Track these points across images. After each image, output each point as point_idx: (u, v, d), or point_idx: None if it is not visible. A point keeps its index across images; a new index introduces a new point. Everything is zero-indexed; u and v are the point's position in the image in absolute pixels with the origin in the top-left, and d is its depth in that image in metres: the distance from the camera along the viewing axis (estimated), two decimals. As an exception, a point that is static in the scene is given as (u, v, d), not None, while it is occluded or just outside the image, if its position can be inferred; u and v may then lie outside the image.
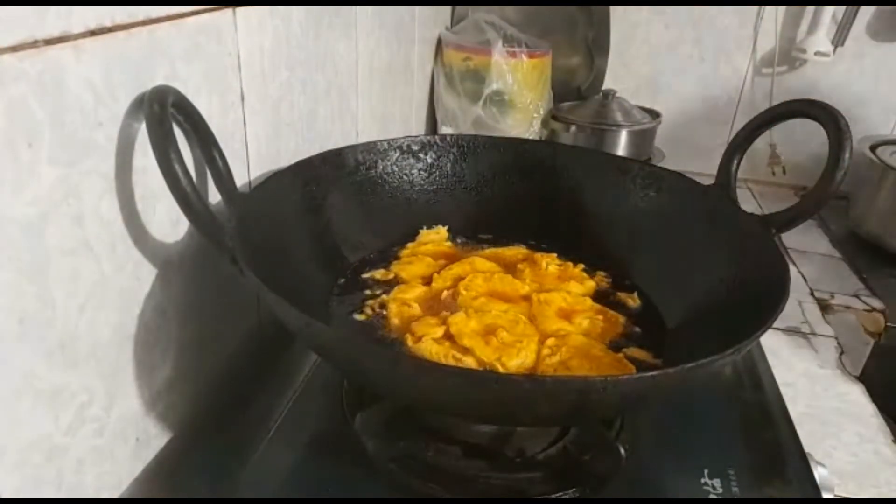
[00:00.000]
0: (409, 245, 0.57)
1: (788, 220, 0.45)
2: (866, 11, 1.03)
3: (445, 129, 0.98)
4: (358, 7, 0.65)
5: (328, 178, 0.53)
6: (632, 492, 0.39)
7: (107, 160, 0.34)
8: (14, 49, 0.27)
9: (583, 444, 0.41)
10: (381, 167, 0.58)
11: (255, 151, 0.49)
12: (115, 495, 0.39)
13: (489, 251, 0.57)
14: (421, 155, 0.60)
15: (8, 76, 0.27)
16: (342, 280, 0.52)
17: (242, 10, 0.44)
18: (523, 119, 0.98)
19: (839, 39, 1.04)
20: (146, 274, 0.39)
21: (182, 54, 0.39)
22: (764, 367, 0.52)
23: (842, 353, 0.73)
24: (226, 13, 0.42)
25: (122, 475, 0.40)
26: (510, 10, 1.03)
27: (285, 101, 0.53)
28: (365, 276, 0.53)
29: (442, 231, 0.59)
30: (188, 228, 0.42)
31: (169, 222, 0.40)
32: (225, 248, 0.37)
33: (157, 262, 0.40)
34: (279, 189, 0.47)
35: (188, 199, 0.35)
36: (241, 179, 0.46)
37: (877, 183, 0.90)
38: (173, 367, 0.43)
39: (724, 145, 0.52)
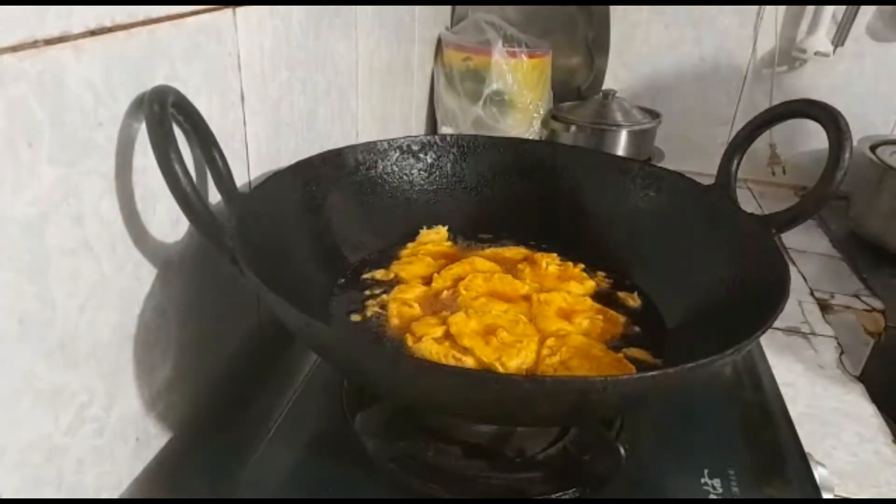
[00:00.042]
0: (409, 245, 0.57)
1: (788, 220, 0.45)
2: (866, 11, 1.03)
3: (445, 129, 0.98)
4: (358, 7, 0.65)
5: (328, 178, 0.53)
6: (632, 492, 0.39)
7: (107, 160, 0.34)
8: (14, 49, 0.27)
9: (583, 444, 0.41)
10: (381, 167, 0.58)
11: (255, 151, 0.49)
12: (115, 495, 0.39)
13: (489, 251, 0.57)
14: (421, 155, 0.60)
15: (8, 76, 0.27)
16: (342, 280, 0.52)
17: (242, 10, 0.44)
18: (523, 119, 0.98)
19: (839, 39, 1.05)
20: (146, 274, 0.39)
21: (182, 54, 0.39)
22: (764, 367, 0.52)
23: (842, 353, 0.73)
24: (226, 13, 0.42)
25: (122, 475, 0.40)
26: (510, 10, 1.03)
27: (285, 101, 0.53)
28: (365, 276, 0.53)
29: (442, 231, 0.59)
30: (188, 228, 0.42)
31: (169, 222, 0.40)
32: (225, 248, 0.37)
33: (157, 262, 0.40)
34: (279, 189, 0.47)
35: (188, 199, 0.35)
36: (241, 179, 0.46)
37: (877, 183, 0.90)
38: (173, 367, 0.43)
39: (724, 145, 0.52)
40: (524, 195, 0.60)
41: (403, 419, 0.40)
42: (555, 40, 1.01)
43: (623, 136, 0.98)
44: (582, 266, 0.54)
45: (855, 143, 0.44)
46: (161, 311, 0.41)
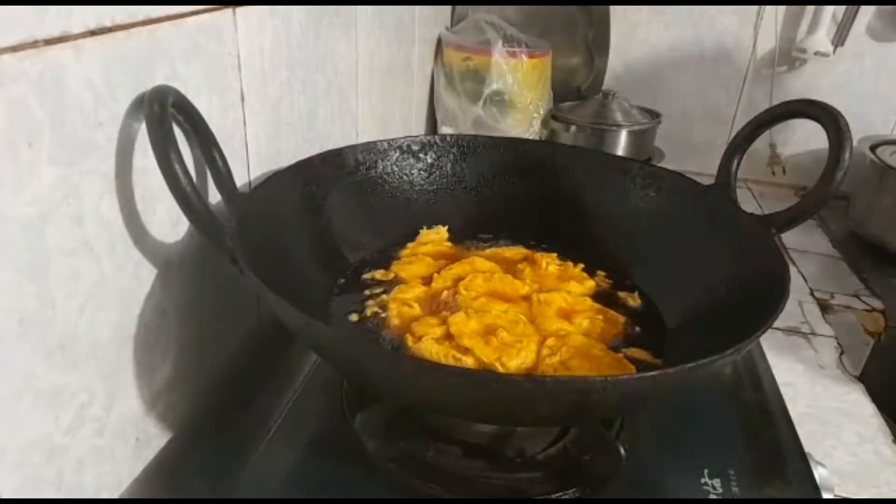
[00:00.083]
0: (409, 245, 0.57)
1: (788, 220, 0.45)
2: (866, 11, 1.03)
3: (445, 129, 0.98)
4: (358, 7, 0.65)
5: (328, 178, 0.53)
6: (632, 492, 0.39)
7: (107, 160, 0.34)
8: (14, 49, 0.27)
9: (583, 444, 0.41)
10: (381, 167, 0.58)
11: (255, 151, 0.49)
12: (115, 495, 0.39)
13: (489, 251, 0.57)
14: (421, 155, 0.60)
15: (8, 76, 0.27)
16: (342, 280, 0.52)
17: (242, 10, 0.44)
18: (523, 119, 0.98)
19: (839, 39, 1.05)
20: (146, 274, 0.39)
21: (182, 54, 0.39)
22: (764, 367, 0.52)
23: (842, 353, 0.73)
24: (226, 13, 0.42)
25: (122, 475, 0.40)
26: (510, 10, 1.03)
27: (285, 101, 0.53)
28: (365, 276, 0.53)
29: (442, 231, 0.59)
30: (188, 228, 0.42)
31: (169, 222, 0.40)
32: (225, 248, 0.37)
33: (157, 262, 0.40)
34: (279, 189, 0.47)
35: (188, 199, 0.35)
36: (241, 179, 0.46)
37: (877, 183, 0.90)
38: (173, 367, 0.43)
39: (724, 145, 0.52)
40: (524, 195, 0.60)
41: (403, 419, 0.40)
42: (555, 40, 1.01)
43: (623, 136, 0.98)
44: (582, 266, 0.54)
45: (855, 143, 0.44)
46: (161, 311, 0.41)
